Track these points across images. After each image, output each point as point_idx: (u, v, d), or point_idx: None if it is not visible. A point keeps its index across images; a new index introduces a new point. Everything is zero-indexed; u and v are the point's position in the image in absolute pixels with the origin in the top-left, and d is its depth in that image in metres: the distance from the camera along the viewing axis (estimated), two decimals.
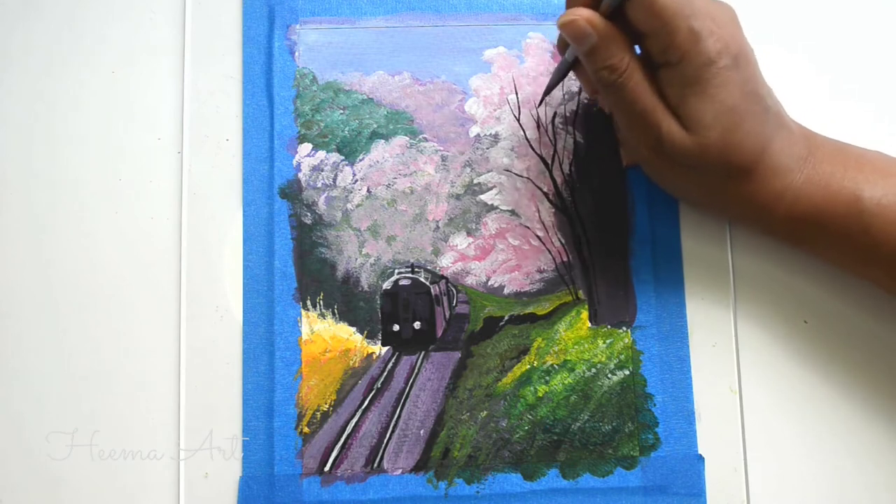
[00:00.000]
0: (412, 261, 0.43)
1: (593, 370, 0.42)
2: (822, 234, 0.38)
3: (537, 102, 0.45)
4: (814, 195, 0.38)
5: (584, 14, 0.36)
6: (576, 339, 0.43)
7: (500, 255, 0.44)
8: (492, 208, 0.44)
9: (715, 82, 0.35)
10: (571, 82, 0.45)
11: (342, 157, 0.44)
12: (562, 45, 0.41)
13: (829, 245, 0.39)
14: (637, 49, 0.38)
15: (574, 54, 0.39)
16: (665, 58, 0.36)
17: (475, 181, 0.44)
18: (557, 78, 0.42)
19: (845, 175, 0.38)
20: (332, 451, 0.41)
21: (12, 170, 0.43)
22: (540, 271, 0.44)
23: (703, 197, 0.40)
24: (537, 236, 0.44)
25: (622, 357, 0.43)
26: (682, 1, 0.35)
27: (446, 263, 0.43)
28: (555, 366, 0.42)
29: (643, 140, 0.38)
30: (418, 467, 0.41)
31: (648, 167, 0.41)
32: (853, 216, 0.37)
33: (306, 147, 0.44)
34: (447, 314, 0.43)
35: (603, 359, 0.43)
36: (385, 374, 0.42)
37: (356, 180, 0.44)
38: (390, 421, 0.42)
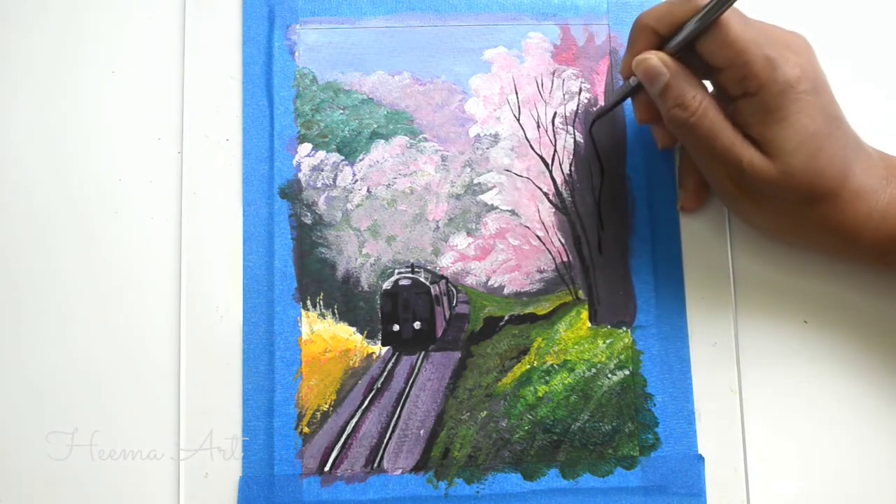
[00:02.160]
0: (412, 261, 0.43)
1: (593, 370, 0.42)
2: None
3: (588, 123, 0.44)
4: None
5: (655, 54, 0.37)
6: (576, 339, 0.43)
7: (500, 255, 0.44)
8: (492, 208, 0.44)
9: (796, 108, 0.36)
10: (571, 82, 0.45)
11: (342, 157, 0.44)
12: (626, 71, 0.41)
13: None
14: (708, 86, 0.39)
15: (637, 81, 0.40)
16: (743, 89, 0.36)
17: (475, 181, 0.44)
18: (617, 101, 0.42)
19: None
20: (332, 451, 0.41)
21: (13, 170, 0.43)
22: (540, 271, 0.44)
23: (787, 227, 0.40)
24: (537, 236, 0.44)
25: (622, 357, 0.43)
26: (755, 31, 0.36)
27: (446, 263, 0.43)
28: (555, 366, 0.42)
29: (725, 174, 0.38)
30: (418, 467, 0.41)
31: (731, 201, 0.40)
32: None
33: (306, 147, 0.44)
34: (447, 314, 0.43)
35: (603, 359, 0.43)
36: (385, 374, 0.42)
37: (356, 180, 0.44)
38: (390, 421, 0.42)
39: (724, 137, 0.37)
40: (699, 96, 0.37)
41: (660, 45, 0.38)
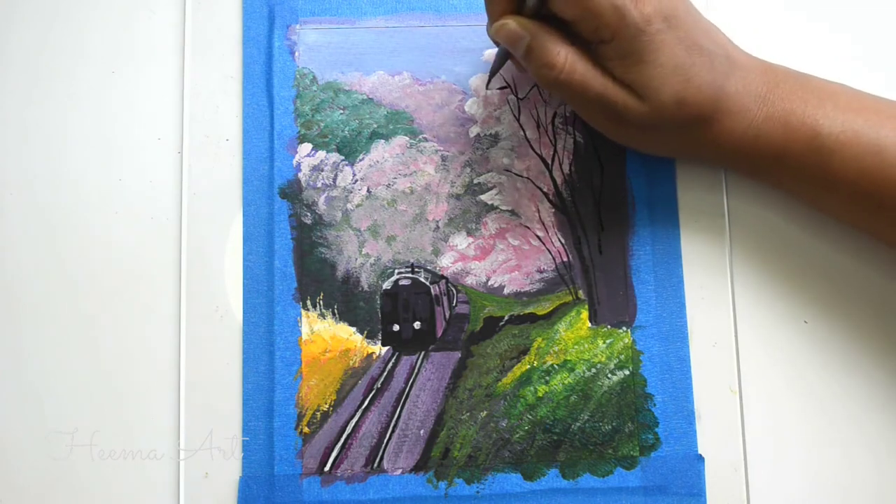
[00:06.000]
0: (412, 261, 0.43)
1: (593, 370, 0.42)
2: (783, 170, 0.39)
3: (486, 83, 0.44)
4: (774, 133, 0.38)
5: (513, 18, 0.38)
6: (576, 339, 0.43)
7: (500, 255, 0.44)
8: (492, 208, 0.44)
9: (651, 48, 0.36)
10: None
11: (342, 157, 0.44)
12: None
13: (791, 180, 0.40)
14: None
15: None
16: (599, 37, 0.37)
17: (475, 181, 0.44)
18: (499, 64, 0.43)
19: (805, 112, 0.38)
20: (332, 451, 0.41)
21: (12, 170, 0.43)
22: (540, 271, 0.44)
23: (673, 149, 0.42)
24: (537, 236, 0.44)
25: (622, 357, 0.43)
26: None
27: (446, 263, 0.43)
28: (555, 366, 0.42)
29: (604, 118, 0.39)
30: (418, 467, 0.41)
31: (616, 137, 0.41)
32: (812, 153, 0.38)
33: (306, 147, 0.44)
34: (447, 314, 0.43)
35: (603, 359, 0.43)
36: (385, 374, 0.42)
37: (356, 180, 0.44)
38: (390, 421, 0.42)
39: (595, 85, 0.38)
40: (563, 52, 0.37)
41: (518, 4, 0.38)
